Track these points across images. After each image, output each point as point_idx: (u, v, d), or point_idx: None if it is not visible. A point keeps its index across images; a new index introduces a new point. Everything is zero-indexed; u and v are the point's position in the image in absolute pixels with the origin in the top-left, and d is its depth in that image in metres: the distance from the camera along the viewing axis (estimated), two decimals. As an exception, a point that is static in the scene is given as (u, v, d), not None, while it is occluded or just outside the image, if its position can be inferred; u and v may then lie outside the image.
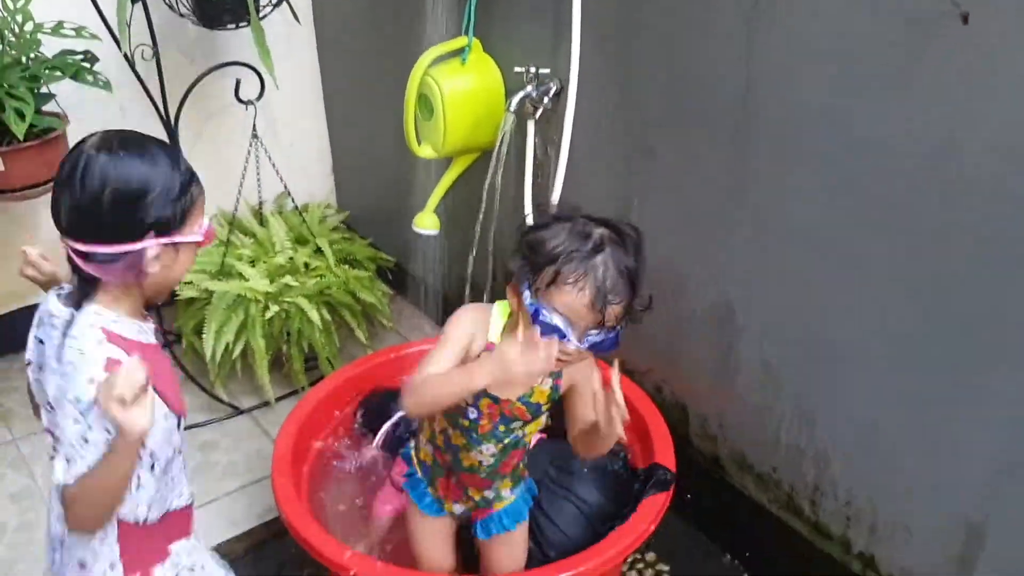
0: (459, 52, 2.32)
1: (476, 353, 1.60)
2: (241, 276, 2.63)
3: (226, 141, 2.87)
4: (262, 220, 2.88)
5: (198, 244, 1.39)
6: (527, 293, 1.51)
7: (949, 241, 1.57)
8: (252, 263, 2.70)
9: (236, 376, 2.73)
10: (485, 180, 2.31)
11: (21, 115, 2.20)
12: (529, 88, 2.19)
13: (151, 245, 1.31)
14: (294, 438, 2.14)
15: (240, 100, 2.55)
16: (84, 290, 1.35)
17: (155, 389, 1.31)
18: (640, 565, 2.24)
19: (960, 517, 1.72)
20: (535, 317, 1.49)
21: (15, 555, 2.27)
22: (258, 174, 2.69)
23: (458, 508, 1.83)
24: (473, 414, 1.66)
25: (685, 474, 2.05)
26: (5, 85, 2.24)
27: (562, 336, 1.48)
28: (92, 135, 1.33)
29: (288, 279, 2.62)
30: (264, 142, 2.65)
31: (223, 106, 2.74)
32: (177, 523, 1.51)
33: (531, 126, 2.24)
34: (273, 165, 2.69)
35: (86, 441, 1.29)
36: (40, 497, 2.44)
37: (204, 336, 2.56)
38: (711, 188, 1.95)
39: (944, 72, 1.48)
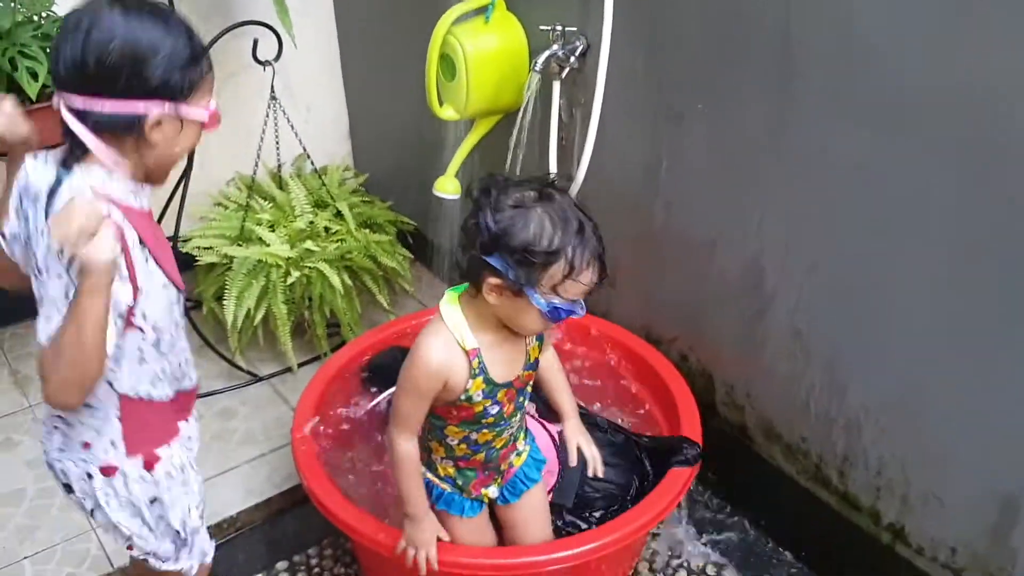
0: (482, 10, 2.25)
1: (461, 383, 1.56)
2: (261, 241, 2.59)
3: (244, 103, 2.82)
4: (281, 183, 2.84)
5: (203, 126, 1.33)
6: (533, 294, 1.46)
7: (1003, 196, 1.50)
8: (272, 227, 2.66)
9: (257, 343, 2.71)
10: (509, 143, 2.25)
11: (34, 75, 2.16)
12: (555, 47, 2.13)
13: (155, 108, 1.25)
14: (315, 405, 2.12)
15: (258, 60, 2.51)
16: (73, 152, 1.27)
17: (152, 256, 1.28)
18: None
19: (995, 489, 1.68)
20: (553, 316, 1.49)
21: (34, 522, 2.27)
22: (276, 136, 2.65)
23: (493, 490, 1.80)
24: (495, 409, 1.63)
25: (711, 444, 2.01)
26: (17, 44, 2.19)
27: (574, 313, 1.51)
28: None
29: (309, 244, 2.59)
30: (282, 103, 2.61)
31: (241, 67, 2.69)
32: (186, 404, 1.50)
33: (556, 86, 2.19)
34: (292, 126, 2.65)
35: (66, 296, 1.23)
36: (60, 462, 2.44)
37: (225, 302, 2.54)
38: (745, 145, 1.89)
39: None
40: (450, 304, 1.58)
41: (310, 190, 2.81)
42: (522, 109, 2.20)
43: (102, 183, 1.28)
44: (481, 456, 1.71)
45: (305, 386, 2.18)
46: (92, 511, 1.50)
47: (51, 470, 1.51)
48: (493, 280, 1.47)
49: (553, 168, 2.25)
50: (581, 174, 2.11)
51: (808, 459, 2.04)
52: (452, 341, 1.55)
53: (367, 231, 2.76)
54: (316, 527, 2.15)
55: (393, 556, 1.71)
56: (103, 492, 1.44)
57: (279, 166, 2.79)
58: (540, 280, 1.45)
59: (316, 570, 2.15)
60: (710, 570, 2.13)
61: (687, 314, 2.22)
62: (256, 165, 2.68)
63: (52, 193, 1.27)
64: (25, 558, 2.16)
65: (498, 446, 1.72)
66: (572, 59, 2.12)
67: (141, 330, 1.33)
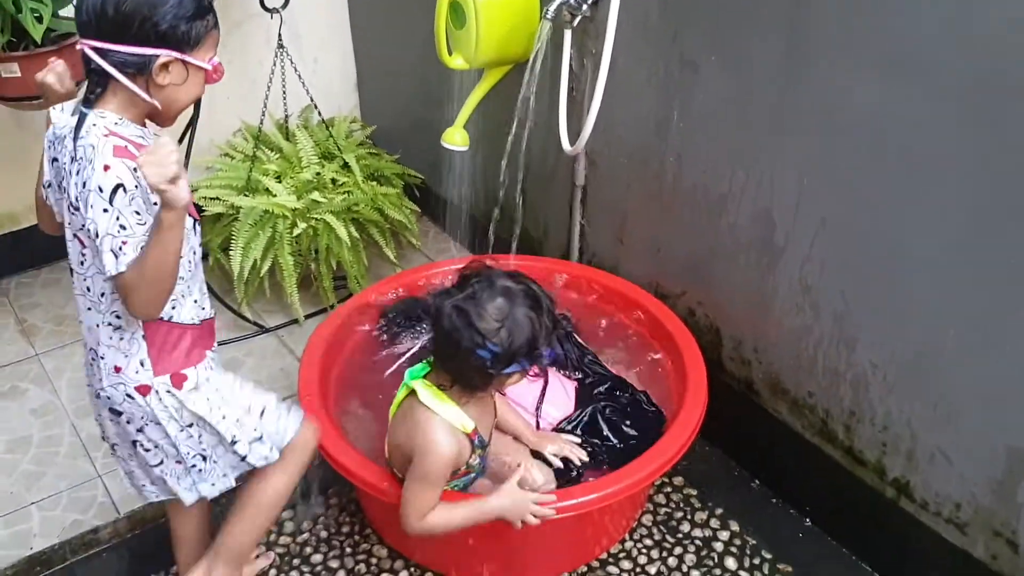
0: (493, -42, 2.22)
1: (466, 459, 1.73)
2: (268, 192, 2.58)
3: (251, 53, 2.80)
4: (288, 134, 2.82)
5: (207, 76, 1.48)
6: (538, 362, 1.65)
7: (1022, 145, 1.47)
8: (279, 178, 2.64)
9: (264, 295, 2.71)
10: (518, 94, 2.23)
11: (39, 18, 2.14)
12: (567, -5, 2.10)
13: (163, 54, 1.40)
14: (321, 355, 2.12)
15: (265, 8, 2.47)
16: (93, 91, 1.43)
17: None
18: (668, 489, 2.23)
19: (1002, 444, 1.67)
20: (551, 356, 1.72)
21: (40, 469, 2.28)
22: (284, 86, 2.62)
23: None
24: (479, 461, 1.80)
25: (717, 399, 2.01)
26: (23, -13, 2.17)
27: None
28: None
29: (315, 195, 2.57)
30: (289, 54, 2.58)
31: (247, 15, 2.67)
32: (209, 331, 1.62)
33: (568, 35, 2.16)
34: (299, 76, 2.62)
35: (122, 227, 1.37)
36: (63, 412, 2.44)
37: (231, 253, 2.53)
38: (758, 96, 1.87)
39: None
40: (435, 397, 1.69)
41: (317, 141, 2.79)
42: (532, 59, 2.17)
43: (114, 125, 1.42)
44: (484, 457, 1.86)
45: (310, 335, 2.18)
46: (140, 429, 1.59)
47: (96, 403, 1.62)
48: (509, 379, 1.64)
49: (563, 121, 2.22)
50: (589, 126, 2.09)
51: (815, 414, 2.04)
52: (454, 430, 1.68)
53: (374, 183, 2.74)
54: (322, 478, 2.16)
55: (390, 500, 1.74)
56: (156, 409, 1.56)
57: (286, 117, 2.76)
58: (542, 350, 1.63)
59: (322, 519, 2.16)
60: (714, 523, 2.14)
61: (696, 269, 2.21)
62: (263, 115, 2.65)
63: (79, 126, 1.41)
64: (32, 503, 2.18)
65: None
66: (584, 7, 2.09)
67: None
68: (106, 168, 1.36)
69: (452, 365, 1.65)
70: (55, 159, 1.49)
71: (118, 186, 1.36)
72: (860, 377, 1.89)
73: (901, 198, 1.68)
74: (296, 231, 2.51)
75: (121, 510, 2.15)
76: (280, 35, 2.54)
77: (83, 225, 1.41)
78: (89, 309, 1.53)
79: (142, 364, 1.53)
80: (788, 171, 1.87)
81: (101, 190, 1.36)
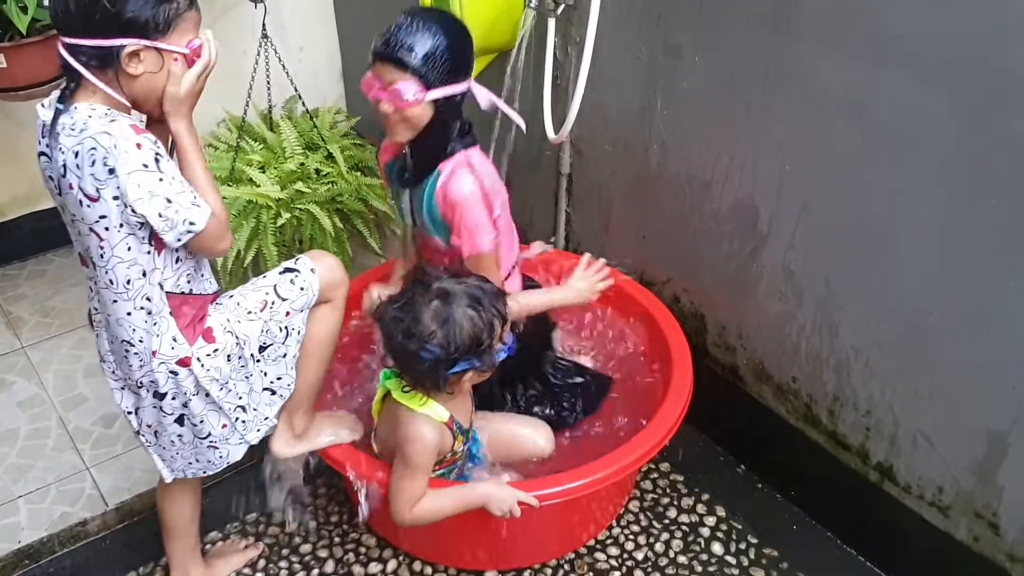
0: (477, -54, 2.21)
1: (449, 447, 1.77)
2: (252, 182, 2.57)
3: (235, 42, 2.78)
4: (272, 125, 2.81)
5: (187, 60, 1.45)
6: (492, 359, 1.67)
7: (1002, 129, 1.49)
8: (262, 169, 2.64)
9: (247, 284, 2.70)
10: (503, 83, 2.23)
11: (23, 8, 2.13)
12: (551, -17, 2.10)
13: (129, 43, 1.38)
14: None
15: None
16: (68, 86, 1.43)
17: None
18: (655, 475, 2.24)
19: (983, 427, 1.69)
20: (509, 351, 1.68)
21: (28, 461, 2.28)
22: (268, 77, 2.61)
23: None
24: (462, 448, 1.83)
25: (702, 385, 2.03)
26: (6, -24, 2.15)
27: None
28: None
29: (299, 185, 2.57)
30: (274, 43, 2.57)
31: (232, 3, 2.65)
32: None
33: (551, 24, 2.16)
34: (283, 67, 2.61)
35: (182, 183, 1.45)
36: (50, 404, 2.44)
37: (215, 242, 2.52)
38: (741, 82, 1.88)
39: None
40: (407, 395, 1.73)
41: (301, 132, 2.78)
42: (516, 47, 2.18)
43: (106, 114, 1.42)
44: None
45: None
46: (186, 403, 1.64)
47: (133, 396, 1.66)
48: (462, 374, 1.66)
49: (547, 109, 2.23)
50: (573, 114, 2.09)
51: (799, 399, 2.05)
52: (431, 420, 1.72)
53: (358, 174, 2.74)
54: (310, 468, 2.16)
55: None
56: (200, 377, 1.60)
57: (270, 107, 2.75)
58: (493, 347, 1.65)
59: (310, 508, 2.16)
60: (700, 509, 2.16)
61: (680, 256, 2.22)
62: (247, 106, 2.64)
63: (54, 122, 1.42)
64: (19, 497, 2.18)
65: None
66: (568, -5, 2.09)
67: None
68: (139, 146, 1.39)
69: (404, 370, 1.70)
70: (42, 154, 1.49)
71: (157, 155, 1.41)
72: (843, 362, 1.91)
73: (883, 183, 1.69)
74: (280, 221, 2.51)
75: (109, 502, 2.15)
76: (264, 25, 2.52)
77: (101, 216, 1.42)
78: (115, 301, 1.54)
79: (175, 340, 1.57)
80: (771, 157, 1.88)
81: (146, 166, 1.39)
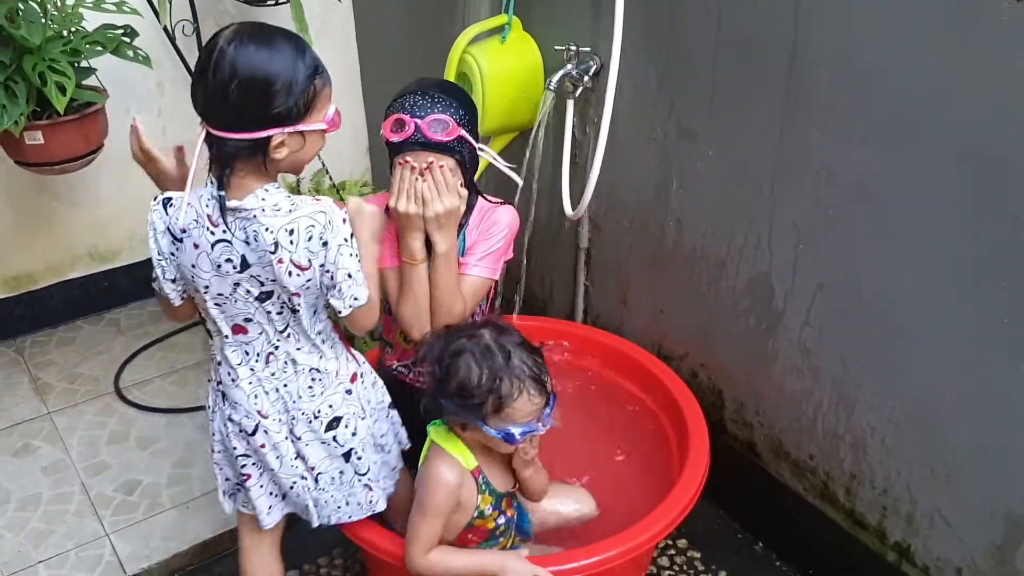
0: (499, 30, 2.30)
1: (472, 500, 1.72)
2: (277, 253, 2.62)
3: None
4: (298, 198, 2.87)
5: (324, 131, 1.52)
6: (484, 426, 1.62)
7: (1007, 213, 1.51)
8: (288, 240, 2.69)
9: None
10: (523, 160, 2.29)
11: (63, 89, 2.22)
12: (569, 66, 2.17)
13: (275, 134, 1.43)
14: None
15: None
16: (225, 173, 1.47)
17: None
18: (672, 552, 2.23)
19: (1001, 508, 1.68)
20: (509, 440, 1.63)
21: (49, 527, 2.30)
22: (295, 152, 2.69)
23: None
24: (502, 519, 1.80)
25: (719, 461, 2.03)
26: (47, 59, 2.25)
27: (530, 434, 1.64)
28: (228, 27, 1.44)
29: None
30: (302, 120, 2.65)
31: (261, 83, 2.73)
32: None
33: (570, 105, 2.22)
34: (310, 143, 2.68)
35: (360, 268, 1.55)
36: (73, 470, 2.47)
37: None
38: (754, 164, 1.92)
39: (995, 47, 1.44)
40: (444, 435, 1.72)
41: (328, 205, 2.84)
42: (536, 127, 2.24)
43: (282, 196, 1.50)
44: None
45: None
46: (355, 432, 1.70)
47: (315, 419, 1.67)
48: (454, 418, 1.66)
49: (566, 186, 2.28)
50: (589, 191, 2.14)
51: (816, 476, 2.05)
52: (457, 464, 1.70)
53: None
54: (327, 536, 2.17)
55: (402, 566, 1.74)
56: (364, 396, 1.71)
57: (298, 180, 2.83)
58: (485, 413, 1.61)
59: (326, 580, 2.17)
60: (717, 587, 2.14)
61: (698, 331, 2.24)
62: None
63: (222, 210, 1.48)
64: (39, 562, 2.19)
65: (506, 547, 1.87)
66: (586, 78, 2.16)
67: None
68: (344, 221, 1.50)
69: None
70: (221, 241, 1.51)
71: (352, 232, 1.52)
72: (859, 440, 1.91)
73: (892, 265, 1.72)
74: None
75: (127, 569, 2.17)
76: (293, 102, 2.61)
77: (308, 280, 1.51)
78: (299, 349, 1.63)
79: (349, 358, 1.70)
80: (785, 237, 1.91)
81: (347, 240, 1.51)
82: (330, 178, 2.87)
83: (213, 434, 1.74)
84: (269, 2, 2.51)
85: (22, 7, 2.24)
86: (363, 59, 3.20)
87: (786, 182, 1.86)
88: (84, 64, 2.41)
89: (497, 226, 1.82)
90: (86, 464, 2.49)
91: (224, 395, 1.67)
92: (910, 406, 1.78)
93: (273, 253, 1.48)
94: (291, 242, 1.48)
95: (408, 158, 1.73)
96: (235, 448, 1.69)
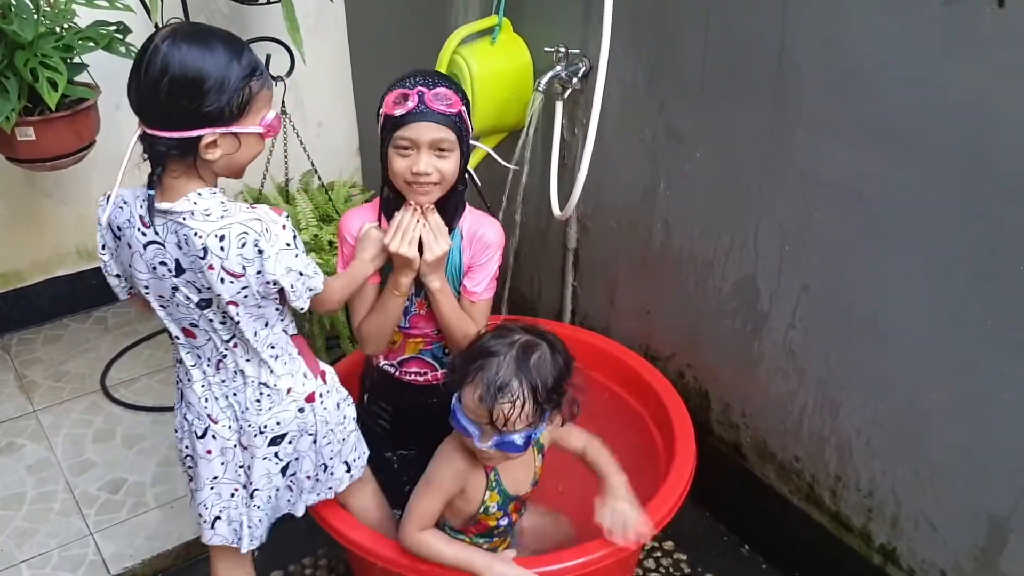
0: (489, 31, 2.30)
1: (478, 494, 1.73)
2: (266, 252, 2.62)
3: (254, 118, 2.87)
4: (288, 197, 2.87)
5: (261, 136, 1.50)
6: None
7: (993, 217, 1.52)
8: (277, 240, 2.69)
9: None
10: (512, 161, 2.28)
11: (54, 85, 2.21)
12: (558, 68, 2.18)
13: (207, 133, 1.41)
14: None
15: (271, 76, 2.54)
16: (156, 172, 1.46)
17: None
18: (658, 554, 2.23)
19: (985, 511, 1.68)
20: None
21: (33, 526, 2.29)
22: (286, 151, 2.69)
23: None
24: (505, 521, 1.80)
25: (705, 462, 2.02)
26: (39, 55, 2.25)
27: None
28: (166, 25, 1.43)
29: (313, 256, 2.61)
30: (292, 119, 2.65)
31: (252, 82, 2.73)
32: None
33: (559, 106, 2.23)
34: (301, 142, 2.69)
35: (307, 254, 1.53)
36: (58, 468, 2.46)
37: (227, 311, 2.56)
38: (741, 165, 1.92)
39: (981, 49, 1.45)
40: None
41: (316, 205, 2.84)
42: (525, 128, 2.24)
43: (221, 201, 1.47)
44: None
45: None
46: (295, 448, 1.68)
47: (260, 434, 1.64)
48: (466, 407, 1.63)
49: (554, 187, 2.28)
50: (577, 192, 2.14)
51: (801, 479, 2.05)
52: (467, 450, 1.69)
53: (371, 246, 2.79)
54: (312, 537, 2.16)
55: (386, 566, 1.73)
56: (321, 416, 1.68)
57: (287, 180, 2.83)
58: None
59: (310, 580, 2.16)
60: (702, 588, 2.14)
61: (684, 332, 2.24)
62: (264, 178, 2.72)
63: (150, 210, 1.47)
64: (22, 562, 2.19)
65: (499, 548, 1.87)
66: (575, 80, 2.17)
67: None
68: (283, 227, 1.48)
69: None
70: (153, 242, 1.49)
71: (294, 234, 1.51)
72: (844, 442, 1.91)
73: (877, 267, 1.72)
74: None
75: (111, 568, 2.16)
76: (284, 102, 2.61)
77: (244, 288, 1.47)
78: (248, 361, 1.60)
79: (305, 376, 1.65)
80: (770, 240, 1.92)
81: (289, 245, 1.48)
82: (319, 178, 2.86)
83: (176, 430, 1.72)
84: (260, 1, 2.51)
85: (14, 2, 2.23)
86: (355, 58, 3.20)
87: (773, 183, 1.87)
88: (76, 60, 2.41)
89: (489, 249, 1.82)
90: (71, 462, 2.48)
91: (183, 394, 1.67)
92: (894, 408, 1.79)
93: (203, 259, 1.45)
94: (222, 248, 1.44)
95: (408, 135, 1.66)
96: (186, 447, 1.69)
